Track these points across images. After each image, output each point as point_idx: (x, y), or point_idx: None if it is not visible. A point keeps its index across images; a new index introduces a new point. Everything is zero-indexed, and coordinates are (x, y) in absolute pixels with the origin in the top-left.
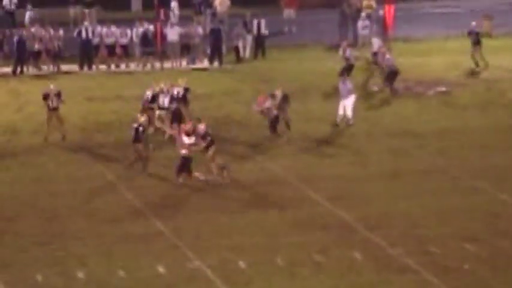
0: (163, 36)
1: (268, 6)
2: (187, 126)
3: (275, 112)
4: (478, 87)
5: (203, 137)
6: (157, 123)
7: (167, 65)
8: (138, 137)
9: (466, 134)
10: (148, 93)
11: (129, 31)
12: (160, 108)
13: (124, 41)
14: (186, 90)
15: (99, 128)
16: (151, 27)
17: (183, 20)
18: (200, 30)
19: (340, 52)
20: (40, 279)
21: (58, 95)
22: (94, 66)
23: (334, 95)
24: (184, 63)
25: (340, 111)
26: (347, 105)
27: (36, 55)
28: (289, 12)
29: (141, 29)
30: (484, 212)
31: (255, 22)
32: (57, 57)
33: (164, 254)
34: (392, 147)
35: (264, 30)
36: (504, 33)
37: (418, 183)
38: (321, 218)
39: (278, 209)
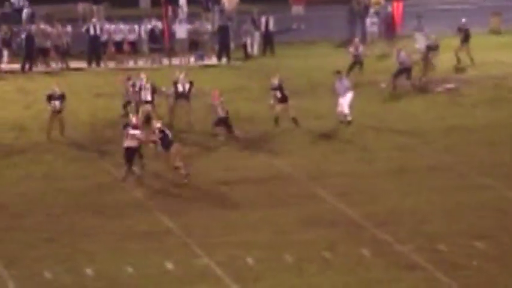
0: (172, 33)
1: (276, 3)
2: (134, 119)
3: (221, 111)
4: (486, 83)
5: (154, 132)
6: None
7: (175, 61)
8: None
9: (474, 130)
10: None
11: (137, 28)
12: (146, 102)
13: (132, 37)
14: (191, 84)
15: (107, 124)
16: (159, 24)
17: (192, 17)
18: (208, 27)
19: (351, 49)
20: (48, 275)
21: (61, 97)
22: (102, 63)
23: None
24: (192, 59)
25: (339, 109)
26: (344, 103)
27: (45, 52)
28: (297, 9)
29: (149, 26)
30: (492, 209)
31: (263, 19)
32: (65, 53)
33: (173, 250)
34: (399, 144)
35: (272, 27)
36: None
37: (425, 180)
38: (329, 214)
39: (286, 206)
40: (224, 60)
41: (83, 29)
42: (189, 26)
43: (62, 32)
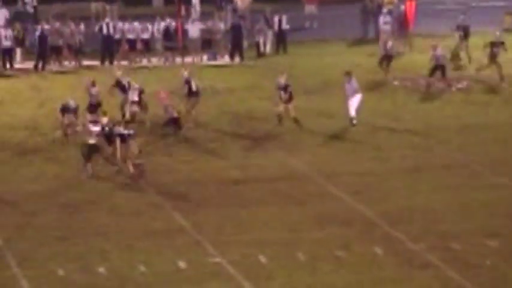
0: (185, 32)
1: (289, 1)
2: (92, 115)
3: (172, 111)
4: (499, 82)
5: (103, 129)
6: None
7: (188, 60)
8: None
9: (487, 129)
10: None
11: (150, 26)
12: (133, 102)
13: (145, 36)
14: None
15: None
16: (173, 23)
17: (204, 16)
18: (221, 25)
19: (381, 44)
20: (62, 273)
21: (75, 110)
22: (115, 61)
23: None
24: (205, 58)
25: (350, 111)
26: (352, 106)
27: (58, 50)
28: (310, 8)
29: (163, 24)
30: (505, 208)
31: (276, 18)
32: (78, 52)
33: (185, 249)
34: (413, 142)
35: (285, 26)
36: None
37: (439, 179)
38: (342, 213)
39: (299, 204)
40: (237, 59)
41: (96, 28)
42: (202, 25)
43: (75, 31)
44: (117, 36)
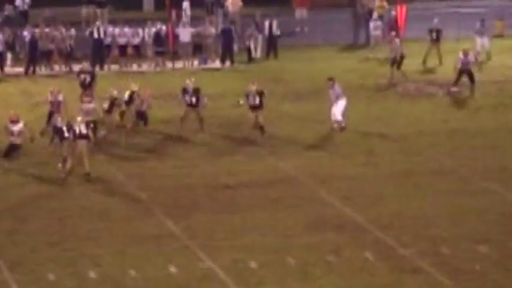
0: (175, 37)
1: (280, 6)
2: (11, 114)
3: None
4: (490, 87)
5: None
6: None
7: (179, 65)
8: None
9: (478, 134)
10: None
11: (141, 31)
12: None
13: (136, 41)
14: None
15: (111, 127)
16: (164, 28)
17: (195, 20)
18: (212, 30)
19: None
20: (52, 279)
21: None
22: (106, 66)
23: (345, 95)
24: (196, 63)
25: (333, 118)
26: (337, 110)
27: (48, 55)
28: (301, 13)
29: (153, 29)
30: (495, 213)
31: (267, 22)
32: (68, 57)
33: (176, 254)
34: (404, 147)
35: (276, 31)
36: None
37: (430, 184)
38: (333, 218)
39: (290, 209)
40: (228, 63)
41: (87, 32)
42: (192, 30)
43: (65, 35)
44: (108, 40)
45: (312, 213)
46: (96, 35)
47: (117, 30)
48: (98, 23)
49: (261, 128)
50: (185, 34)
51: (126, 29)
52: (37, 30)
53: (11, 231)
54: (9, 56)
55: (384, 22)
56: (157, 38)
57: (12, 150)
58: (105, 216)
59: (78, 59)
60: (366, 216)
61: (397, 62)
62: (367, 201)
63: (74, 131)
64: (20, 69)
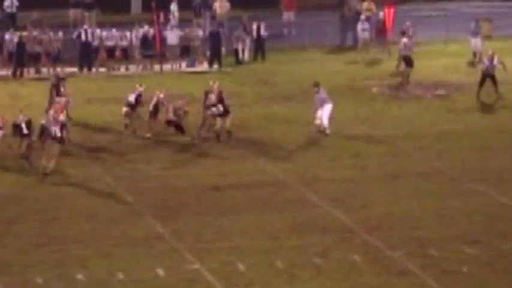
0: (163, 39)
1: (267, 8)
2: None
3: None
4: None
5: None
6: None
7: (166, 67)
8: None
9: (466, 136)
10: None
11: (128, 34)
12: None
13: (124, 43)
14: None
15: (98, 130)
16: (151, 30)
17: (183, 23)
18: (200, 32)
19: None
20: (40, 281)
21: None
22: (94, 69)
23: (333, 97)
24: (183, 65)
25: (317, 122)
26: (323, 115)
27: (36, 58)
28: (288, 15)
29: (141, 31)
30: (484, 215)
31: (255, 25)
32: (56, 59)
33: (164, 256)
34: (392, 149)
35: (264, 33)
36: (503, 35)
37: (418, 186)
38: (321, 220)
39: (278, 212)
40: (215, 66)
41: (74, 35)
42: (180, 32)
43: (53, 38)
44: (96, 43)
45: (299, 215)
46: (83, 38)
47: (104, 33)
48: (85, 25)
49: (229, 134)
50: (173, 36)
51: (114, 32)
52: (25, 33)
53: None
54: None
55: (372, 24)
56: (145, 41)
57: None
58: (93, 218)
59: (66, 61)
60: (354, 218)
61: (408, 61)
62: (355, 203)
63: (49, 132)
64: (8, 72)
